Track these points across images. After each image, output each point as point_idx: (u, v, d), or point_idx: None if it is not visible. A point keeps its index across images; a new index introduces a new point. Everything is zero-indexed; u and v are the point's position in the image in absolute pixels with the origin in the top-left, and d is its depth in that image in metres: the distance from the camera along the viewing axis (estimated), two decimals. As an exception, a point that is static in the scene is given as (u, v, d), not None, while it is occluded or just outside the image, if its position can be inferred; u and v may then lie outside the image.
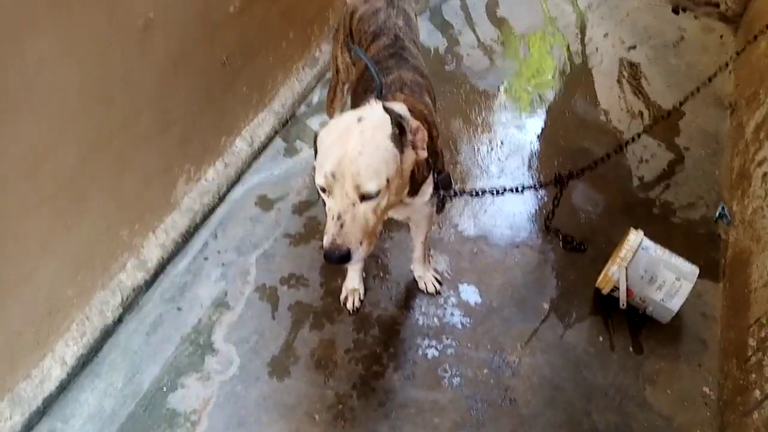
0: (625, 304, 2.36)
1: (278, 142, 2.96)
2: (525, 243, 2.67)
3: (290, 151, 2.94)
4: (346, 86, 2.44)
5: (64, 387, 2.07)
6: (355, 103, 2.07)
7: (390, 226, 2.63)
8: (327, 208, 1.53)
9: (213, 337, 2.26)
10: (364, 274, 2.42)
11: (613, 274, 2.36)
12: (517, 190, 2.19)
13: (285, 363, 2.20)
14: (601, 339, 2.37)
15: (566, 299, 2.49)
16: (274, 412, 2.08)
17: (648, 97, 3.45)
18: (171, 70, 2.17)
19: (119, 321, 2.26)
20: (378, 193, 1.50)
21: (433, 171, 1.78)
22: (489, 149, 3.05)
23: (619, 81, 3.54)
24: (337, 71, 2.42)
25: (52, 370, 2.05)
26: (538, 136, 3.17)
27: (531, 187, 2.12)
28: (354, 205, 1.48)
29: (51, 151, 1.76)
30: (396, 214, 1.94)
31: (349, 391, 2.15)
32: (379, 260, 2.54)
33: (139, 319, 2.29)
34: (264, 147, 2.91)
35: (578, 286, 2.54)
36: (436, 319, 2.38)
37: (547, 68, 3.58)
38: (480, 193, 1.99)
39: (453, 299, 2.45)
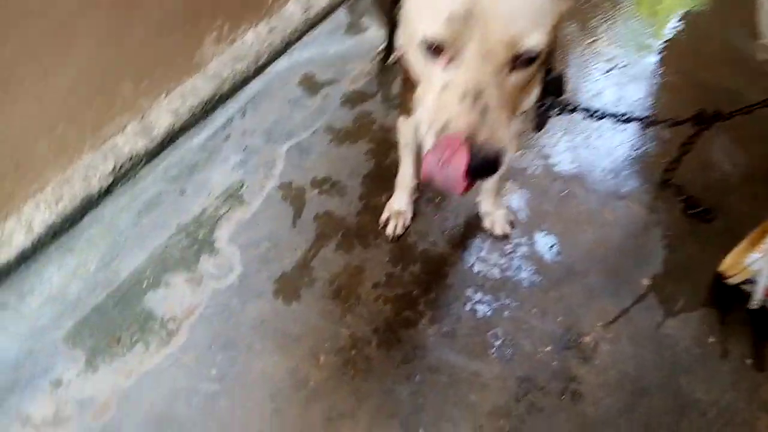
0: (757, 304, 1.73)
1: (340, 15, 2.38)
2: (632, 196, 2.04)
3: (353, 29, 2.36)
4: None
5: (26, 257, 1.69)
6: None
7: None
8: (438, 85, 0.93)
9: (216, 233, 1.80)
10: (416, 195, 1.88)
11: (752, 262, 1.72)
12: (645, 121, 1.53)
13: (296, 283, 1.73)
14: (711, 340, 1.77)
15: (674, 279, 1.87)
16: (270, 340, 1.63)
17: (830, 40, 2.62)
18: None
19: (107, 192, 1.83)
20: (536, 57, 0.92)
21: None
22: (607, 69, 2.36)
23: (793, 14, 2.70)
24: None
25: (15, 235, 1.66)
26: (670, 64, 2.44)
27: (664, 121, 1.48)
28: (501, 73, 0.90)
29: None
30: None
31: (369, 335, 1.67)
32: (439, 181, 1.98)
33: (132, 194, 1.85)
34: (322, 17, 2.34)
35: (694, 264, 1.91)
36: (497, 270, 1.83)
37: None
38: (597, 116, 1.37)
39: (524, 249, 1.88)
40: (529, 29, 0.88)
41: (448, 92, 0.91)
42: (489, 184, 1.79)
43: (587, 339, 1.73)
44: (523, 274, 1.83)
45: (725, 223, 1.98)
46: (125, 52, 1.68)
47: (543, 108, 1.28)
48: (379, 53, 2.25)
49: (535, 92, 1.26)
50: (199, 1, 1.83)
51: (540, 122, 1.32)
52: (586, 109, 1.32)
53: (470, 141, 0.86)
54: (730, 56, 2.49)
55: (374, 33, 2.34)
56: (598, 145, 2.14)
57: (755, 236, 1.82)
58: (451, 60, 0.92)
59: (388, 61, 1.97)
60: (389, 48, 1.16)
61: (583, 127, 2.17)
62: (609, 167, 2.09)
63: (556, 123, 2.15)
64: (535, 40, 0.88)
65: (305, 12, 2.25)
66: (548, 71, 1.24)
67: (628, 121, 1.39)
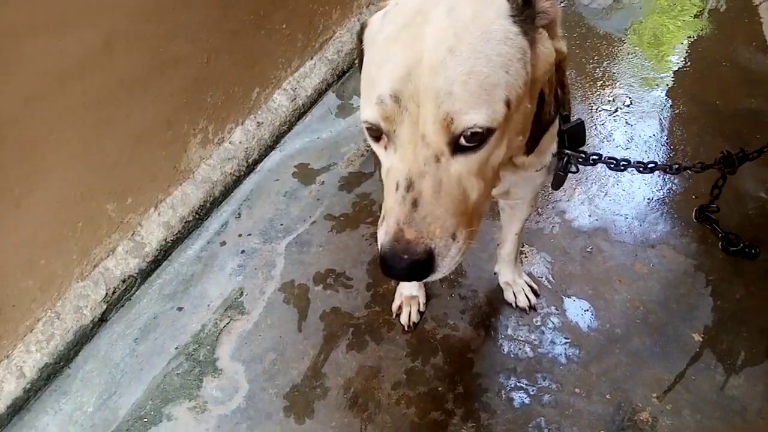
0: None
1: (330, 98, 2.32)
2: (664, 242, 1.85)
3: (344, 111, 2.29)
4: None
5: (19, 407, 1.57)
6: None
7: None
8: (384, 170, 0.85)
9: (218, 351, 1.67)
10: (427, 276, 1.72)
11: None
12: (671, 170, 1.35)
13: (308, 397, 1.57)
14: (788, 397, 1.54)
15: (728, 329, 1.66)
16: (286, 468, 1.46)
17: None
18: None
19: (101, 321, 1.72)
20: (488, 134, 0.80)
21: (558, 114, 1.06)
22: (612, 110, 2.23)
23: (800, 21, 2.56)
24: None
25: (4, 384, 1.55)
26: (681, 95, 2.30)
27: (692, 167, 1.31)
28: (438, 160, 0.79)
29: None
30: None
31: (396, 446, 1.49)
32: (450, 257, 1.84)
33: (127, 320, 1.74)
34: (311, 104, 2.28)
35: (747, 308, 1.70)
36: (528, 348, 1.65)
37: (693, 5, 2.67)
38: (622, 167, 1.22)
39: (555, 319, 1.70)
40: (468, 105, 0.76)
41: (387, 179, 0.82)
42: (507, 249, 1.63)
43: (644, 415, 1.51)
44: (558, 349, 1.64)
45: (774, 257, 1.78)
46: (102, 171, 1.61)
47: (563, 161, 1.14)
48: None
49: (552, 147, 1.12)
50: (175, 107, 1.77)
51: (561, 177, 1.18)
52: (611, 160, 1.17)
53: (396, 238, 0.77)
54: (742, 76, 2.35)
55: (363, 111, 2.26)
56: (616, 192, 1.98)
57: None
58: (388, 142, 0.82)
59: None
60: None
61: (596, 175, 2.02)
62: (632, 214, 1.92)
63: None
64: (478, 117, 0.77)
65: (293, 101, 2.19)
66: (566, 119, 1.11)
67: (653, 170, 1.24)
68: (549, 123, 1.03)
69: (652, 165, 1.25)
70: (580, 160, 1.11)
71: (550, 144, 1.10)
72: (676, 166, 1.27)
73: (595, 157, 1.12)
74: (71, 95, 1.44)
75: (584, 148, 1.13)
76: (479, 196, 0.83)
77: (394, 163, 0.81)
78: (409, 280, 0.80)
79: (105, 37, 1.45)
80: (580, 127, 1.11)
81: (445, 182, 0.79)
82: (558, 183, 1.20)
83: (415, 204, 0.77)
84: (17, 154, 1.38)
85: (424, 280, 0.80)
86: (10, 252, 1.47)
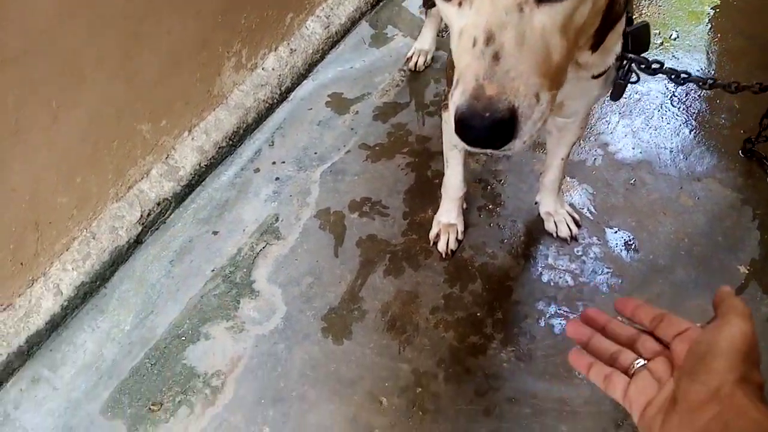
0: None
1: (363, 28, 2.25)
2: (710, 175, 1.80)
3: (378, 40, 2.22)
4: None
5: (56, 324, 1.57)
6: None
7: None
8: (456, 32, 0.77)
9: (254, 274, 1.66)
10: (465, 205, 1.69)
11: None
12: (729, 88, 1.27)
13: (346, 319, 1.56)
14: (837, 329, 1.50)
15: (777, 262, 1.62)
16: (324, 387, 1.46)
17: None
18: None
19: (137, 242, 1.71)
20: None
21: (626, 11, 0.99)
22: (658, 43, 2.14)
23: None
24: None
25: (42, 301, 1.55)
26: (728, 29, 2.19)
27: (750, 87, 1.24)
28: (522, 9, 0.71)
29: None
30: None
31: (434, 369, 1.48)
32: (488, 186, 1.79)
33: (162, 242, 1.73)
34: (344, 32, 2.21)
35: (796, 243, 1.66)
36: (569, 277, 1.62)
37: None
38: (681, 79, 1.15)
39: (596, 249, 1.67)
40: None
41: (461, 39, 0.74)
42: (550, 176, 1.58)
43: (687, 345, 1.48)
44: (600, 278, 1.61)
45: (827, 191, 1.72)
46: (138, 88, 1.57)
47: (625, 67, 1.07)
48: (408, 60, 2.09)
49: (615, 48, 1.06)
50: (212, 27, 1.71)
51: (621, 85, 1.11)
52: (672, 71, 1.10)
53: (476, 94, 0.69)
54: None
55: (400, 41, 2.19)
56: (661, 125, 1.91)
57: None
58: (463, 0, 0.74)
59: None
60: None
61: (640, 108, 1.95)
62: (678, 147, 1.86)
63: (608, 106, 1.94)
64: None
65: (326, 28, 2.12)
66: (629, 21, 1.04)
67: (713, 86, 1.17)
68: (618, 16, 0.96)
69: (711, 81, 1.19)
70: (642, 66, 1.05)
71: (615, 43, 1.04)
72: (735, 84, 1.20)
73: (656, 65, 1.05)
74: (113, 3, 1.39)
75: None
76: (561, 58, 0.76)
77: (470, 19, 0.73)
78: (488, 145, 0.72)
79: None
80: (645, 30, 1.04)
81: (528, 35, 0.71)
82: (618, 93, 1.13)
83: (496, 57, 0.69)
84: (56, 65, 1.33)
85: (504, 149, 0.73)
86: (48, 167, 1.44)
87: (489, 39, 0.70)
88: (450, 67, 0.90)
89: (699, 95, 1.97)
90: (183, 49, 1.66)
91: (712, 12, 2.25)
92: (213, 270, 1.67)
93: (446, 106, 1.33)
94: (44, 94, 1.34)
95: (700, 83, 1.15)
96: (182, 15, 1.59)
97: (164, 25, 1.55)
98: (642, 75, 1.08)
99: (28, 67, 1.27)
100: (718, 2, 2.27)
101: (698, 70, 2.06)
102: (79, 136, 1.48)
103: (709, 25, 2.20)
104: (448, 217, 1.66)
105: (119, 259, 1.68)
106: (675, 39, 2.15)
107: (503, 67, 0.69)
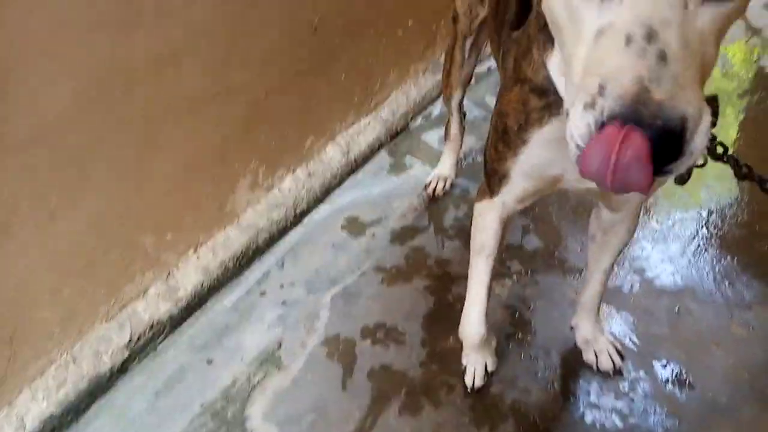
0: None
1: (382, 157, 2.23)
2: (761, 302, 1.62)
3: (397, 168, 2.19)
4: (468, 41, 1.67)
5: (13, 465, 1.34)
6: (498, 46, 1.29)
7: (534, 261, 1.73)
8: (593, 31, 0.63)
9: (249, 410, 1.44)
10: (494, 342, 1.50)
11: None
12: None
13: (354, 466, 1.31)
14: None
15: None
16: None
17: None
18: (239, 14, 1.55)
19: (120, 371, 1.53)
20: None
21: None
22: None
23: None
24: (456, 19, 1.67)
25: (2, 435, 1.34)
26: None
27: None
28: (687, 5, 0.60)
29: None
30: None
31: None
32: (516, 311, 1.62)
33: (149, 370, 1.54)
34: (364, 160, 2.19)
35: None
36: (617, 418, 1.38)
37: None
38: (743, 174, 1.02)
39: (645, 385, 1.44)
40: None
41: (606, 39, 0.61)
42: (589, 293, 1.41)
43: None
44: (653, 419, 1.37)
45: None
46: (146, 196, 1.49)
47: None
48: (427, 186, 2.02)
49: None
50: (230, 140, 1.68)
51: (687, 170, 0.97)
52: (734, 159, 0.97)
53: (644, 95, 0.55)
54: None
55: (419, 169, 2.16)
56: (699, 251, 1.77)
57: None
58: None
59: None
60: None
61: (674, 234, 1.83)
62: (722, 273, 1.71)
63: (639, 230, 1.82)
64: None
65: (345, 155, 2.11)
66: None
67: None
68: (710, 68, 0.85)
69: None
70: (708, 143, 0.93)
71: None
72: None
73: (721, 148, 0.94)
74: (133, 102, 1.36)
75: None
76: (709, 70, 0.64)
77: (619, 14, 0.60)
78: (665, 160, 0.57)
79: (172, 50, 1.39)
80: (714, 102, 0.86)
81: (691, 38, 0.60)
82: (684, 176, 0.98)
83: (662, 58, 0.57)
84: (62, 159, 1.27)
85: (666, 171, 0.58)
86: (34, 272, 1.32)
87: (650, 36, 0.58)
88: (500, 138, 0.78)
89: (735, 221, 1.85)
90: (199, 161, 1.61)
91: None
92: (202, 404, 1.46)
93: (484, 193, 1.18)
94: (44, 187, 1.26)
95: (763, 182, 1.02)
96: (203, 122, 1.56)
97: (183, 131, 1.52)
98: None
99: (31, 156, 1.20)
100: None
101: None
102: (75, 240, 1.37)
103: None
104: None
105: (98, 388, 1.48)
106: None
107: (672, 69, 0.57)
